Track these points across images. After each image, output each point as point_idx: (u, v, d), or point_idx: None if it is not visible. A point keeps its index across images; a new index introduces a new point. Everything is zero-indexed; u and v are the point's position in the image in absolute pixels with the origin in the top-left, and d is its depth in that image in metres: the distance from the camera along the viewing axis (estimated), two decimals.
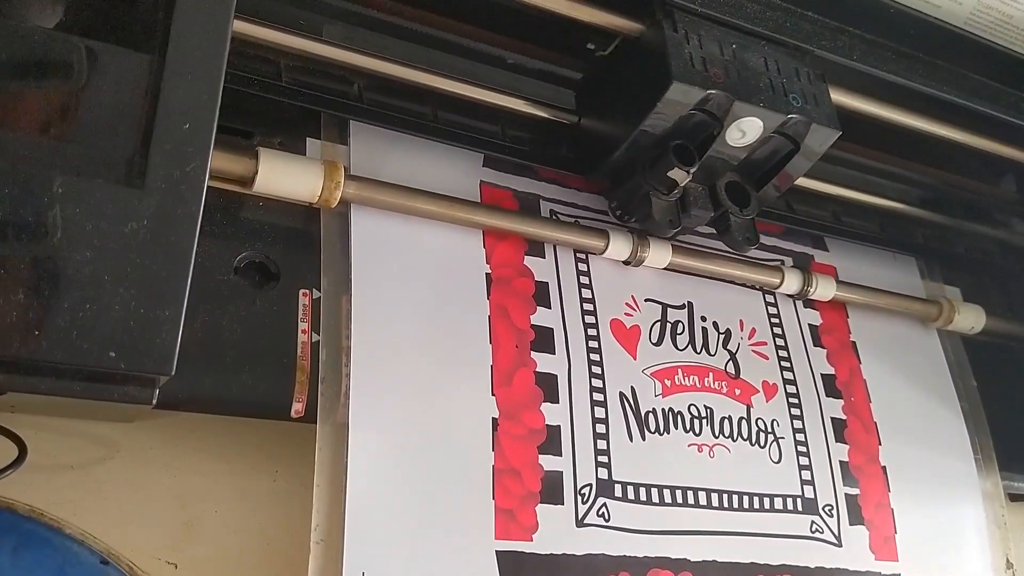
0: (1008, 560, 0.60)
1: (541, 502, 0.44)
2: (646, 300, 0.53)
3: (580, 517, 0.45)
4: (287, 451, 0.45)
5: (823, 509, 0.53)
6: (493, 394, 0.45)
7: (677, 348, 0.53)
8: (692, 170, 0.48)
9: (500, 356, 0.46)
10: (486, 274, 0.48)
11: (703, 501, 0.49)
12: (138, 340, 0.31)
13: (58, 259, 0.30)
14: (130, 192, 0.32)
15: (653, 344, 0.52)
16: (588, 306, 0.50)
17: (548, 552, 0.44)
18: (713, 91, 0.46)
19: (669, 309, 0.54)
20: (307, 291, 0.43)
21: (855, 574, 0.53)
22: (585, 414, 0.47)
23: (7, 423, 0.39)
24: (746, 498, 0.51)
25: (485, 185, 0.51)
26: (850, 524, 0.54)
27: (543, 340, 0.48)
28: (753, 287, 0.57)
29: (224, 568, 0.43)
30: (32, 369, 0.31)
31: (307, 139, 0.47)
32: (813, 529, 0.52)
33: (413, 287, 0.46)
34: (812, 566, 0.51)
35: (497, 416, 0.45)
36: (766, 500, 0.51)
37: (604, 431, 0.48)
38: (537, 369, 0.47)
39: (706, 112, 0.48)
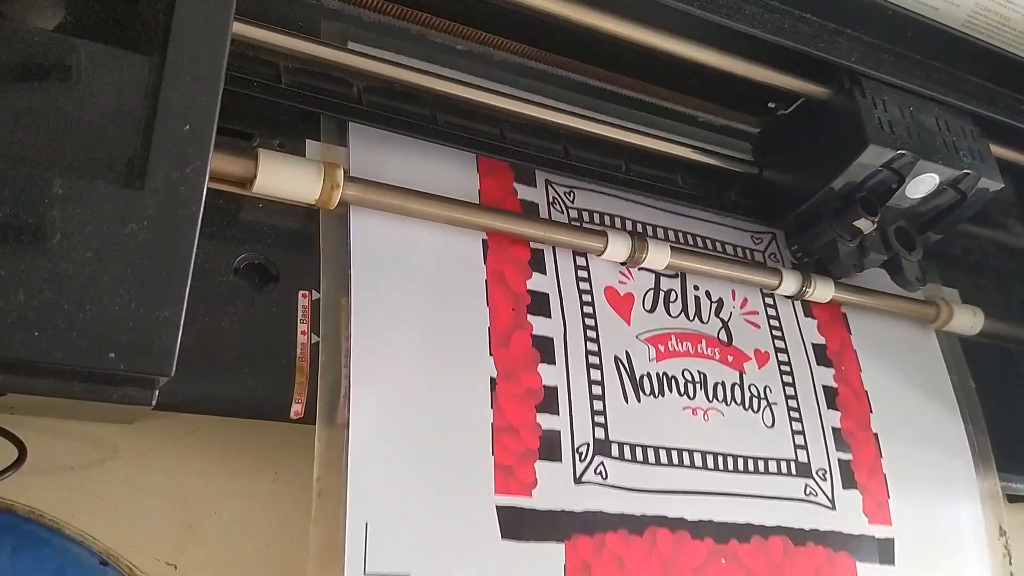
0: (1001, 528, 0.61)
1: (540, 459, 0.45)
2: (639, 268, 0.54)
3: (578, 475, 0.46)
4: (286, 452, 0.45)
5: (816, 473, 0.54)
6: (491, 354, 0.46)
7: (670, 315, 0.54)
8: (876, 220, 0.54)
9: (497, 318, 0.47)
10: (482, 240, 0.49)
11: (698, 463, 0.50)
12: (138, 341, 0.31)
13: (58, 260, 0.30)
14: (130, 193, 0.32)
15: (647, 311, 0.53)
16: (583, 273, 0.51)
17: (547, 508, 0.44)
18: (901, 151, 0.53)
19: (662, 278, 0.54)
20: (306, 292, 0.43)
21: (849, 537, 0.54)
22: (581, 376, 0.48)
23: (7, 424, 0.39)
24: (740, 460, 0.51)
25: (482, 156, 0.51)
26: (843, 488, 0.55)
27: (539, 304, 0.49)
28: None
29: (224, 569, 0.43)
30: (32, 370, 0.31)
31: (307, 140, 0.47)
32: (807, 492, 0.53)
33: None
34: (807, 528, 0.52)
35: (495, 376, 0.46)
36: (760, 463, 0.52)
37: (600, 393, 0.48)
38: (534, 332, 0.48)
39: (890, 169, 0.54)
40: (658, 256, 0.52)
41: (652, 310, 0.53)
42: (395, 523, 0.40)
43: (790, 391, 0.56)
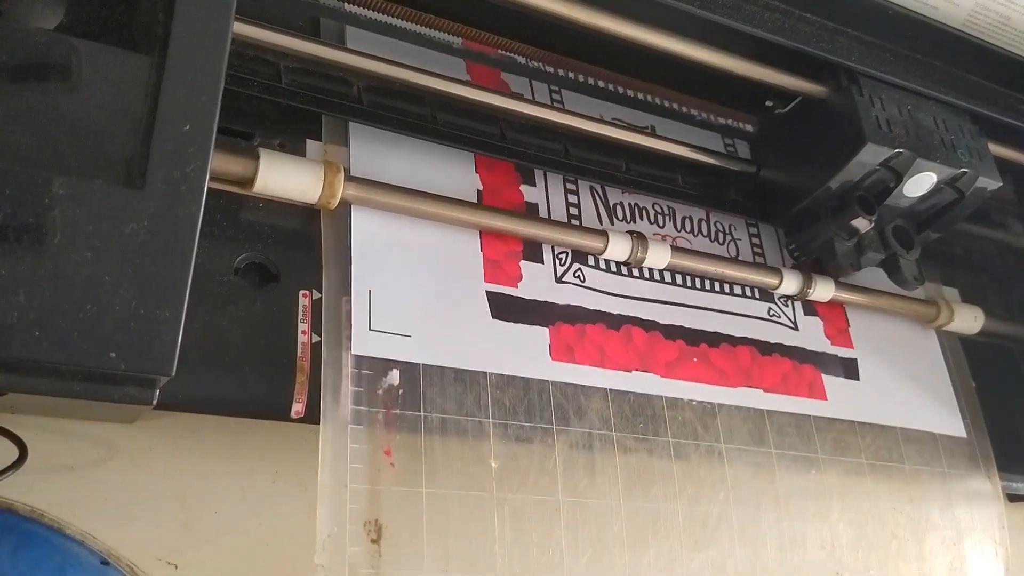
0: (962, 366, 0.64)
1: (524, 259, 0.50)
2: (613, 118, 0.57)
3: (559, 275, 0.51)
4: (287, 452, 0.45)
5: (778, 300, 0.58)
6: (477, 172, 0.51)
7: None
8: (873, 219, 0.54)
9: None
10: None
11: (667, 278, 0.55)
12: (138, 341, 0.31)
13: (58, 260, 0.30)
14: (130, 193, 0.32)
15: None
16: None
17: (532, 297, 0.49)
18: (899, 150, 0.53)
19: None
20: (307, 292, 0.44)
21: (813, 352, 0.58)
22: (559, 196, 0.54)
23: (7, 424, 0.39)
24: (708, 281, 0.56)
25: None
26: (804, 314, 0.59)
27: None
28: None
29: (224, 569, 0.43)
30: (33, 369, 0.31)
31: (307, 140, 0.47)
32: (770, 313, 0.58)
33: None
34: (772, 341, 0.57)
35: (481, 189, 0.51)
36: (726, 285, 0.57)
37: (576, 213, 0.54)
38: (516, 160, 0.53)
39: (888, 168, 0.54)
40: (658, 256, 0.52)
41: None
42: (396, 294, 0.45)
43: (753, 231, 0.61)
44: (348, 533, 0.40)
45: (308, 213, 0.45)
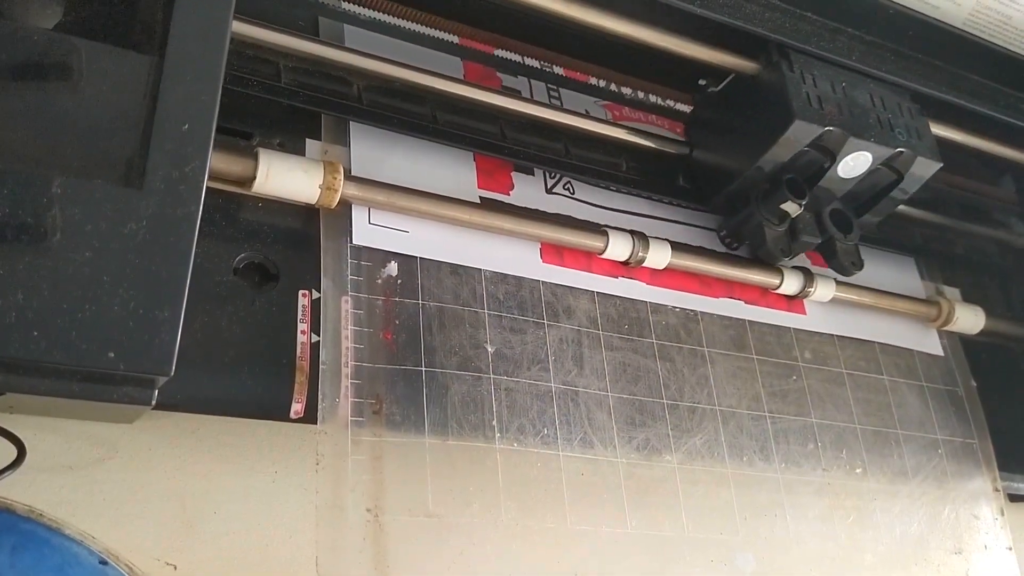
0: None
1: (515, 171, 0.53)
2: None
3: (549, 187, 0.54)
4: (286, 452, 0.45)
5: None
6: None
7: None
8: (804, 203, 0.52)
9: (469, 75, 0.54)
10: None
11: (655, 197, 0.57)
12: (137, 341, 0.31)
13: (57, 260, 0.30)
14: (129, 193, 0.32)
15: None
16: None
17: (524, 205, 0.52)
18: (830, 128, 0.50)
19: None
20: (306, 291, 0.43)
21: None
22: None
23: (6, 424, 0.39)
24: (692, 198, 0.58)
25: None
26: None
27: (506, 66, 0.57)
28: None
29: (224, 569, 0.43)
30: (31, 369, 0.31)
31: (307, 140, 0.47)
32: None
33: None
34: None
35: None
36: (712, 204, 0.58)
37: None
38: (503, 84, 0.56)
39: (820, 148, 0.52)
40: (659, 255, 0.52)
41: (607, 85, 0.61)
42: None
43: None
44: (350, 405, 0.42)
45: (308, 213, 0.45)
